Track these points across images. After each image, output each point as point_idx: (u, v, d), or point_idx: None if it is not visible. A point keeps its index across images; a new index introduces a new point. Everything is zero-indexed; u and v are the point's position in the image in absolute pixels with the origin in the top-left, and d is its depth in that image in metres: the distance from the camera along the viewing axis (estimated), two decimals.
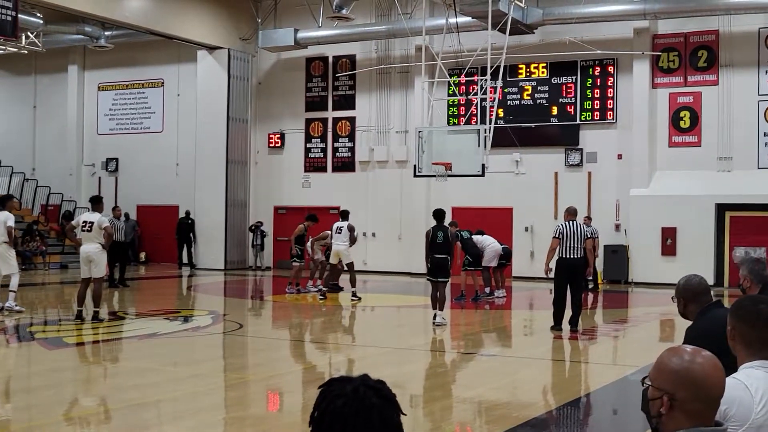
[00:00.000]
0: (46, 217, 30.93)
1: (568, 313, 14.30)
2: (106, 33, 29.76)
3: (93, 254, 14.55)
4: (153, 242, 31.03)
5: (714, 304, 5.27)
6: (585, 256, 14.46)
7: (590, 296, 21.07)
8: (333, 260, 19.64)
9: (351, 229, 19.37)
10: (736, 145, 23.64)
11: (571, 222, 14.29)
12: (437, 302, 15.09)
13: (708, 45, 24.09)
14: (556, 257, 14.25)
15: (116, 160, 31.96)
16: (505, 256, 20.24)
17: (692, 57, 24.23)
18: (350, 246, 19.32)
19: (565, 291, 14.24)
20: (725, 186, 23.39)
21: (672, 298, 5.38)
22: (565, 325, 14.22)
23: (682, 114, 24.33)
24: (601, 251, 23.58)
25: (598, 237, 23.06)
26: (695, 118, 24.17)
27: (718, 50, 23.93)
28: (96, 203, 15.23)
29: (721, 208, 23.47)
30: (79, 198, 31.25)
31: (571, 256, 14.09)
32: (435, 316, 15.07)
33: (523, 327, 17.32)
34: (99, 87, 32.53)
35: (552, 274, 14.39)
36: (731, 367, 3.41)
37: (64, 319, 15.75)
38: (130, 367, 11.49)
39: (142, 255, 31.02)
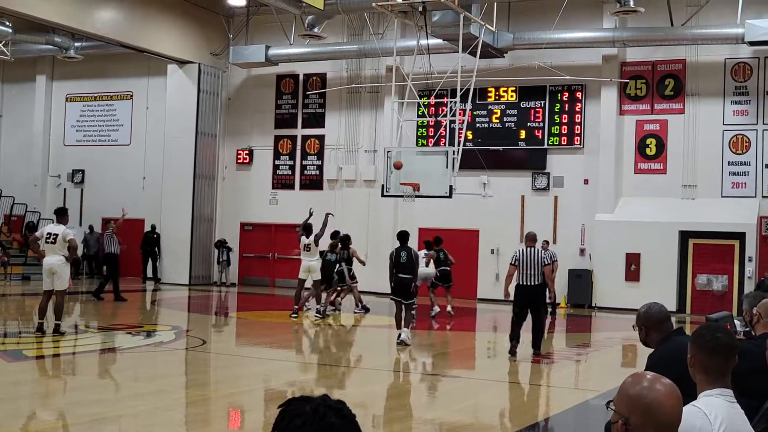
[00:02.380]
0: (9, 228, 30.56)
1: (526, 338, 14.19)
2: (76, 44, 29.55)
3: (56, 266, 14.42)
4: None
5: (675, 331, 5.32)
6: (543, 283, 14.09)
7: (548, 321, 21.03)
8: (303, 275, 19.58)
9: (317, 240, 19.50)
10: (700, 174, 23.92)
11: (529, 248, 14.08)
12: (401, 322, 15.10)
13: (675, 74, 24.40)
14: (514, 282, 14.16)
15: (82, 171, 31.69)
16: (443, 278, 20.37)
17: (659, 85, 24.54)
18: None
19: (521, 317, 14.00)
20: (689, 213, 23.63)
21: (633, 326, 5.42)
22: (528, 349, 14.19)
23: (648, 141, 24.59)
24: (564, 275, 23.63)
25: (556, 261, 23.09)
26: (661, 146, 24.44)
27: (684, 79, 24.25)
28: (61, 215, 15.15)
29: (685, 236, 23.69)
30: (44, 209, 30.91)
31: (528, 283, 13.85)
32: (399, 335, 15.08)
33: (487, 349, 17.35)
34: (67, 98, 32.27)
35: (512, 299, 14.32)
36: (691, 394, 3.45)
37: (24, 332, 15.56)
38: (90, 381, 11.37)
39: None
